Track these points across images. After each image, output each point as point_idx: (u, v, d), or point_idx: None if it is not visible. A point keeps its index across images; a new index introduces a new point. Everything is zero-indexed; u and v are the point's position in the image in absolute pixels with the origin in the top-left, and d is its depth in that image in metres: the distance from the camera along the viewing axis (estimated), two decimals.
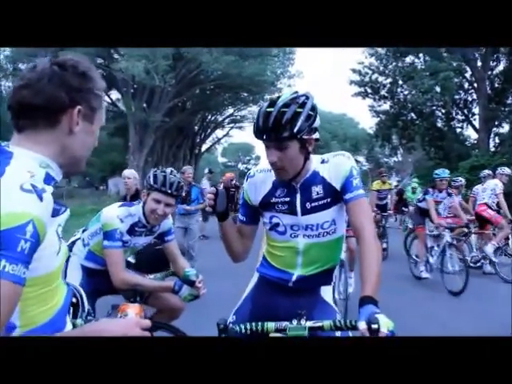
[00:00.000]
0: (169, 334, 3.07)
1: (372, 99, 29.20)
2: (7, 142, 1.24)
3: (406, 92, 27.62)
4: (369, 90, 28.59)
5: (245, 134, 66.66)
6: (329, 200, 2.01)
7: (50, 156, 1.24)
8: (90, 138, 1.34)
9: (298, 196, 2.03)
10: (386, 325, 1.51)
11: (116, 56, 28.74)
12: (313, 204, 2.02)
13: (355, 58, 28.99)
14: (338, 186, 1.99)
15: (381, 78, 28.07)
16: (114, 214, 2.93)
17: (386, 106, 29.39)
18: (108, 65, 29.44)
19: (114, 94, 35.94)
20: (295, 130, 1.83)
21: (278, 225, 2.08)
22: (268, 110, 1.85)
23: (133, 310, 1.40)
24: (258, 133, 1.90)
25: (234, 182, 11.40)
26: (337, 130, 64.33)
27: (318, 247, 2.06)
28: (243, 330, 1.79)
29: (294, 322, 1.77)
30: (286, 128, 1.83)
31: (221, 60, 27.57)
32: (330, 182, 2.00)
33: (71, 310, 2.05)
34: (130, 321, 1.31)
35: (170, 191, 2.87)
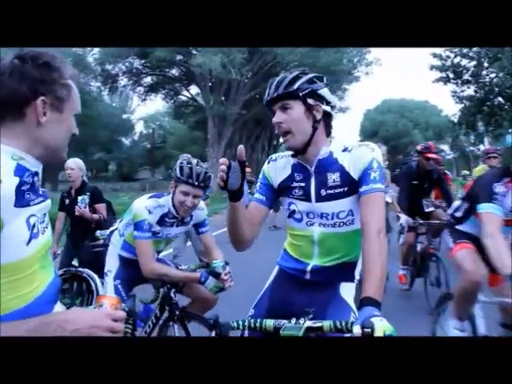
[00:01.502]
0: (199, 325, 3.14)
1: (455, 84, 27.50)
2: None
3: (492, 75, 25.80)
4: (451, 75, 26.99)
5: None
6: (346, 189, 1.94)
7: (23, 148, 1.28)
8: (62, 127, 1.36)
9: (313, 181, 1.99)
10: (381, 329, 1.37)
11: (194, 52, 29.46)
12: (328, 191, 1.96)
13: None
14: (356, 177, 1.92)
15: (464, 61, 26.38)
16: (143, 205, 3.01)
17: (470, 90, 27.50)
18: (187, 61, 30.30)
19: (194, 89, 36.97)
20: (295, 87, 1.85)
21: (294, 212, 2.04)
22: (272, 80, 1.95)
23: (108, 301, 1.42)
24: (265, 102, 1.96)
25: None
26: (419, 118, 61.82)
27: (334, 238, 2.00)
28: (240, 327, 1.75)
29: (293, 320, 1.69)
30: (287, 87, 1.87)
31: (296, 51, 27.49)
32: (349, 171, 1.93)
33: (88, 299, 2.12)
34: (102, 312, 1.33)
35: (196, 183, 2.88)
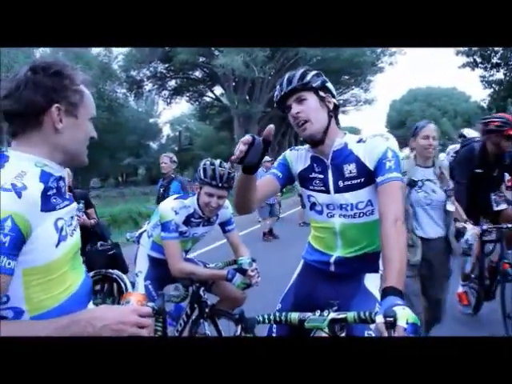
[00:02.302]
0: (229, 322, 3.18)
1: (483, 69, 26.78)
2: (7, 147, 1.38)
3: None
4: (478, 59, 26.30)
5: (349, 118, 65.43)
6: (362, 180, 1.98)
7: (45, 155, 1.36)
8: (79, 131, 1.42)
9: (330, 172, 2.04)
10: (404, 317, 1.36)
11: (216, 53, 29.60)
12: (346, 182, 2.01)
13: None
14: (371, 167, 1.95)
15: None
16: (169, 207, 3.09)
17: (499, 74, 26.75)
18: (209, 62, 30.46)
19: (218, 90, 37.12)
20: (308, 79, 1.96)
21: (315, 204, 2.10)
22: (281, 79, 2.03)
23: (135, 297, 1.47)
24: (278, 98, 2.03)
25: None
26: (446, 105, 60.51)
27: (356, 228, 2.03)
28: (266, 321, 1.79)
29: (317, 312, 1.72)
30: (299, 80, 1.97)
31: None
32: (364, 162, 1.97)
33: (118, 298, 2.19)
34: (128, 308, 1.39)
35: (220, 184, 2.93)
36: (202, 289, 3.19)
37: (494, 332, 3.89)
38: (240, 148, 1.68)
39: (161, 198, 5.99)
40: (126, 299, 1.47)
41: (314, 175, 2.08)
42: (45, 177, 1.32)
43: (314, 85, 1.97)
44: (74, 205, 1.48)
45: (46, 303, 1.30)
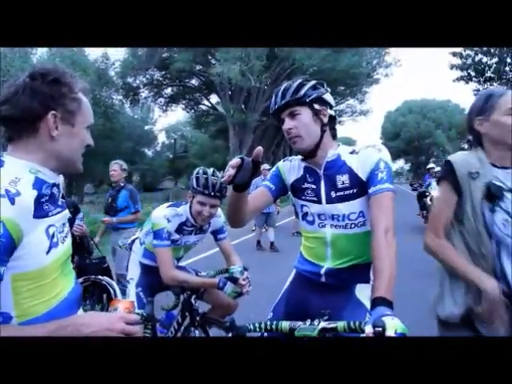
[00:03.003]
0: (220, 331, 3.18)
1: (477, 82, 27.10)
2: (3, 152, 1.39)
3: None
4: (472, 73, 26.55)
5: (344, 129, 65.62)
6: (355, 191, 1.98)
7: (39, 161, 1.36)
8: (75, 139, 1.43)
9: (323, 183, 2.05)
10: (393, 327, 1.36)
11: (213, 61, 29.69)
12: (338, 193, 2.01)
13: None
14: (364, 178, 1.96)
15: (485, 59, 25.99)
16: (162, 214, 3.09)
17: (492, 88, 27.15)
18: (206, 71, 30.53)
19: (214, 98, 37.16)
20: (302, 93, 1.94)
21: (307, 214, 2.11)
22: (277, 89, 2.02)
23: (122, 304, 1.47)
24: (273, 110, 2.02)
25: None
26: (441, 117, 60.96)
27: (347, 239, 2.03)
28: (257, 329, 1.79)
29: (308, 321, 1.73)
30: (293, 94, 1.95)
31: (314, 56, 27.44)
32: (357, 173, 1.97)
33: (107, 305, 2.18)
34: (115, 315, 1.40)
35: (212, 193, 2.94)
36: (194, 297, 3.19)
37: None
38: (229, 172, 1.72)
39: (109, 208, 5.95)
40: (113, 306, 1.47)
41: (306, 185, 2.10)
42: (38, 183, 1.33)
43: (307, 99, 1.95)
44: (66, 212, 1.49)
45: (35, 309, 1.31)
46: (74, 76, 1.44)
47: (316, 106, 1.97)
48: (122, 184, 5.92)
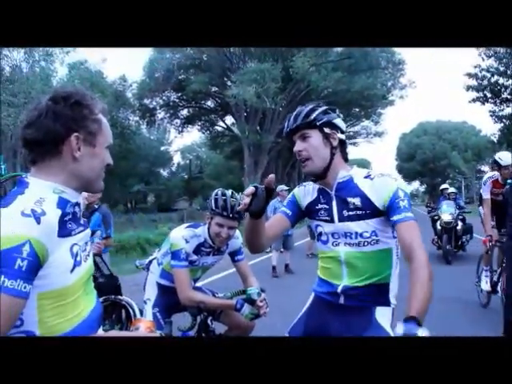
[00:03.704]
0: None
1: (493, 103, 27.08)
2: (27, 173, 1.42)
3: None
4: (488, 94, 26.53)
5: (359, 150, 65.58)
6: (367, 212, 2.01)
7: (62, 182, 1.39)
8: (96, 160, 1.45)
9: (334, 202, 2.09)
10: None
11: (229, 83, 30.05)
12: (350, 212, 2.04)
13: (469, 61, 27.18)
14: (379, 205, 1.98)
15: (502, 80, 25.98)
16: (180, 235, 3.11)
17: (508, 109, 27.03)
18: (221, 92, 30.90)
19: (229, 119, 37.56)
20: (312, 117, 2.02)
21: (321, 234, 2.15)
22: (290, 114, 2.10)
23: (144, 324, 1.49)
24: (285, 133, 2.10)
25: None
26: (457, 139, 60.86)
27: (361, 257, 2.05)
28: None
29: None
30: (304, 118, 2.03)
31: (329, 77, 27.66)
32: (371, 198, 2.00)
33: (127, 323, 2.19)
34: (137, 334, 1.41)
35: (231, 215, 2.96)
36: (210, 318, 3.18)
37: None
38: (244, 201, 1.80)
39: None
40: (135, 326, 1.49)
41: (319, 206, 2.14)
42: (62, 203, 1.35)
43: (318, 123, 2.02)
44: (89, 230, 1.51)
45: (58, 327, 1.32)
46: (94, 98, 1.47)
47: (326, 130, 2.03)
48: (96, 206, 5.32)
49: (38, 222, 1.22)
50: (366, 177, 2.05)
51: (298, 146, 2.04)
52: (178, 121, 38.59)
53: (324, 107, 2.08)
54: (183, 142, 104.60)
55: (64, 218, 1.34)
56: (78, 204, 1.44)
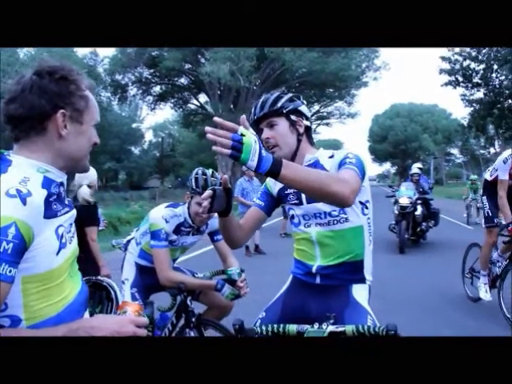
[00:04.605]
0: (216, 332, 3.17)
1: (464, 88, 27.44)
2: (9, 151, 1.35)
3: (501, 77, 25.75)
4: (460, 78, 26.88)
5: (332, 131, 65.99)
6: None
7: (47, 161, 1.33)
8: (83, 138, 1.39)
9: None
10: None
11: (202, 61, 29.65)
12: None
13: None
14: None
15: (473, 64, 26.29)
16: (160, 215, 3.07)
17: (479, 93, 27.45)
18: (195, 70, 30.49)
19: (202, 98, 37.14)
20: (279, 105, 2.05)
21: (293, 217, 2.20)
22: (256, 102, 2.13)
23: (131, 307, 1.46)
24: (252, 121, 2.09)
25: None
26: (428, 122, 61.96)
27: (332, 236, 2.09)
28: (264, 332, 1.81)
29: (316, 325, 1.77)
30: (271, 106, 2.06)
31: (304, 57, 27.57)
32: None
33: (109, 305, 2.17)
34: (125, 318, 1.37)
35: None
36: (189, 298, 3.17)
37: None
38: (204, 204, 1.78)
39: None
40: (122, 309, 1.45)
41: (289, 191, 2.17)
42: (47, 183, 1.30)
43: (284, 110, 2.06)
44: (74, 211, 1.46)
45: (44, 312, 1.28)
46: (81, 73, 1.41)
47: (292, 117, 2.08)
48: None
49: (24, 203, 1.17)
50: (330, 157, 2.09)
51: (266, 133, 2.06)
52: (151, 98, 37.94)
53: (289, 95, 2.12)
54: (155, 119, 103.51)
55: (49, 198, 1.29)
56: (62, 184, 1.39)
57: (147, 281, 3.25)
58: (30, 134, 1.31)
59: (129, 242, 3.52)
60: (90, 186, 4.37)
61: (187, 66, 32.81)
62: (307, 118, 2.15)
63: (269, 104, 2.06)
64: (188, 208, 3.09)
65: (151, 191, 34.26)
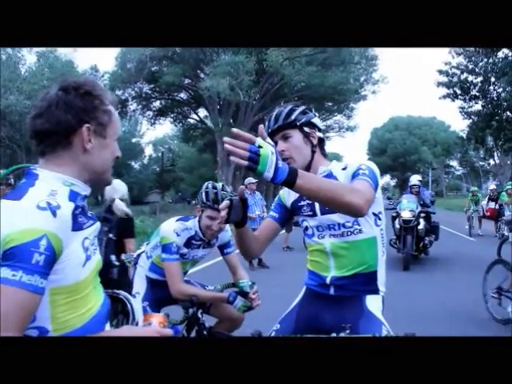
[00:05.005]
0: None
1: (462, 100, 27.68)
2: (35, 165, 1.38)
3: (499, 90, 25.92)
4: (458, 91, 27.11)
5: (331, 144, 66.22)
6: None
7: (73, 174, 1.36)
8: (107, 151, 1.43)
9: None
10: None
11: (202, 75, 29.82)
12: None
13: (440, 58, 27.69)
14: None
15: (471, 77, 26.55)
16: (171, 228, 3.09)
17: (477, 106, 27.71)
18: (195, 84, 30.64)
19: (202, 112, 37.25)
20: (292, 118, 2.09)
21: (307, 228, 2.22)
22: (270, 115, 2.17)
23: (156, 319, 1.48)
24: (268, 134, 2.09)
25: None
26: (426, 134, 62.28)
27: (346, 247, 2.12)
28: None
29: (333, 335, 1.79)
30: (285, 118, 2.09)
31: (303, 71, 27.72)
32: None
33: (124, 319, 2.18)
34: (151, 329, 1.40)
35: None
36: (200, 311, 3.18)
37: None
38: (221, 214, 1.85)
39: None
40: (148, 321, 1.48)
41: (302, 202, 2.20)
42: (73, 196, 1.33)
43: (298, 123, 2.09)
44: (98, 224, 1.48)
45: (71, 323, 1.30)
46: (104, 88, 1.45)
47: (306, 129, 2.11)
48: None
49: (54, 216, 1.20)
50: (343, 168, 2.12)
51: (281, 145, 2.08)
52: (151, 113, 38.05)
53: (302, 107, 2.16)
54: (155, 134, 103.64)
55: (75, 211, 1.31)
56: (86, 197, 1.42)
57: (158, 294, 3.26)
58: (56, 148, 1.34)
59: (139, 255, 3.53)
60: (122, 200, 4.43)
61: (187, 80, 32.96)
62: (320, 130, 2.18)
63: (283, 117, 2.09)
64: (199, 221, 3.11)
65: (152, 206, 34.21)
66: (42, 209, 1.19)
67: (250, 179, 10.45)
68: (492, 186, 18.35)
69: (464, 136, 31.34)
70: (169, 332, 1.38)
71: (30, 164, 1.40)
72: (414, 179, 10.94)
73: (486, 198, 16.14)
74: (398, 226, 9.65)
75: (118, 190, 4.32)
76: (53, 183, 1.30)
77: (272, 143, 1.61)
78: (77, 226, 1.30)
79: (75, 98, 1.34)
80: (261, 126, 1.72)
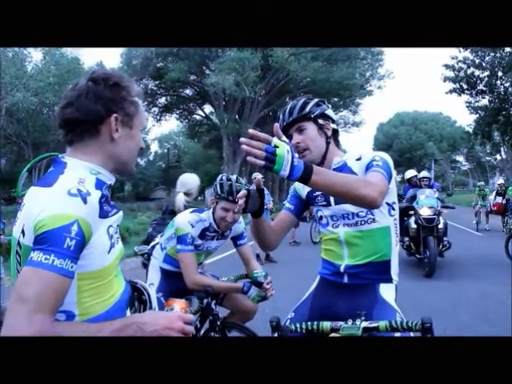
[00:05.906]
0: (241, 334, 3.21)
1: (469, 95, 27.43)
2: (63, 153, 1.42)
3: (506, 84, 25.75)
4: (464, 86, 26.88)
5: None
6: None
7: (99, 163, 1.40)
8: (132, 141, 1.47)
9: None
10: None
11: (207, 72, 29.85)
12: None
13: (447, 53, 27.54)
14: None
15: (477, 72, 26.31)
16: (186, 220, 3.13)
17: (484, 101, 27.51)
18: (200, 80, 30.69)
19: (208, 108, 37.34)
20: (307, 110, 2.11)
21: (321, 218, 2.25)
22: (283, 108, 2.19)
23: (178, 304, 1.51)
24: (281, 127, 2.09)
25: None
26: (433, 129, 62.05)
27: (360, 236, 2.14)
28: (299, 329, 1.87)
29: (349, 321, 1.82)
30: (299, 111, 2.12)
31: (309, 67, 27.72)
32: (359, 175, 2.08)
33: (141, 307, 2.21)
34: (174, 314, 1.42)
35: (236, 199, 2.97)
36: (214, 302, 3.21)
37: None
38: (239, 203, 1.87)
39: None
40: (170, 306, 1.51)
41: (317, 193, 2.22)
42: (99, 184, 1.37)
43: (312, 115, 2.11)
44: (121, 213, 1.51)
45: (94, 309, 1.33)
46: (131, 80, 1.49)
47: (320, 121, 2.13)
48: None
49: (85, 202, 1.24)
50: (357, 159, 2.14)
51: (296, 138, 2.11)
52: (156, 109, 38.18)
53: (315, 100, 2.17)
54: (161, 130, 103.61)
55: (101, 199, 1.35)
56: (110, 186, 1.45)
57: (172, 285, 3.29)
58: (84, 137, 1.38)
59: (153, 247, 3.57)
60: (187, 194, 4.36)
61: (192, 77, 33.06)
62: (333, 121, 2.20)
63: (297, 110, 2.11)
64: (213, 213, 3.14)
65: (157, 202, 34.29)
66: (73, 195, 1.23)
67: (257, 174, 10.48)
68: (500, 180, 18.25)
69: (470, 131, 31.18)
70: (190, 317, 1.41)
71: (57, 153, 1.44)
72: (423, 172, 10.26)
73: (494, 193, 16.07)
74: (413, 225, 8.37)
75: (184, 183, 4.26)
76: (81, 171, 1.34)
77: (287, 140, 1.64)
78: (103, 214, 1.33)
79: (104, 88, 1.38)
80: (276, 125, 1.74)
